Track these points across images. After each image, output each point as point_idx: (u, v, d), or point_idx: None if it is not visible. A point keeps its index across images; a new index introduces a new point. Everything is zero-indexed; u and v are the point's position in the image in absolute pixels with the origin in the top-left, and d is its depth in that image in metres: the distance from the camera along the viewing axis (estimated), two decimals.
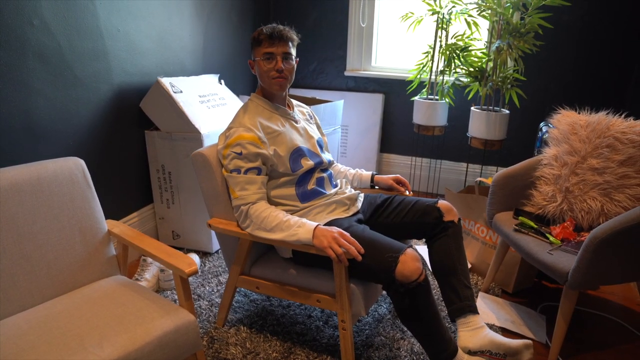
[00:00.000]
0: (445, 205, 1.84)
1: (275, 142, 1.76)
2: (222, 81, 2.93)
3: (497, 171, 3.42)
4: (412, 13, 3.10)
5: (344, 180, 2.05)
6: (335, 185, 1.96)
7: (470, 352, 1.65)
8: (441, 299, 2.25)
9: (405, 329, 2.03)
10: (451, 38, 3.06)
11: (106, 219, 1.75)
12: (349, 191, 1.95)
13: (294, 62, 1.79)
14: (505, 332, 2.04)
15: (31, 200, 1.53)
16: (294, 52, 1.78)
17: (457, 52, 3.01)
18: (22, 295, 1.49)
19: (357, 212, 1.89)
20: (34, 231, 1.53)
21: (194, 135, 2.37)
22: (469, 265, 2.51)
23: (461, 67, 3.04)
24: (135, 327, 1.36)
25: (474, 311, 1.71)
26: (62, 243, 1.59)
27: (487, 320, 2.08)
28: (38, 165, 1.59)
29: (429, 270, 2.41)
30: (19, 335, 1.32)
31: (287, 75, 1.76)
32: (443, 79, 3.15)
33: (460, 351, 1.62)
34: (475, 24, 2.95)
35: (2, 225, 1.46)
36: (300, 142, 1.83)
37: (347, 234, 1.58)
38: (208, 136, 2.40)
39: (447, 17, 3.01)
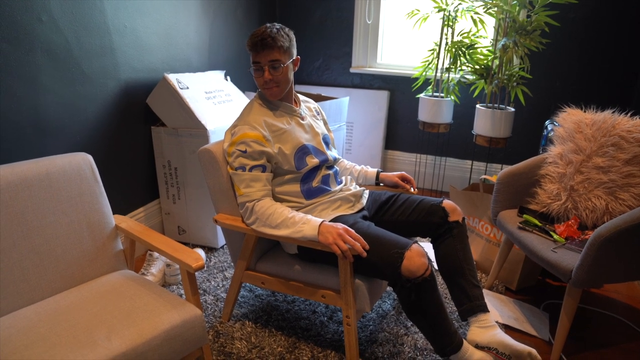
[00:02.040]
0: (450, 205, 1.85)
1: (280, 140, 1.76)
2: (228, 77, 2.95)
3: (501, 169, 3.42)
4: (418, 10, 3.10)
5: (349, 177, 2.05)
6: (340, 182, 1.97)
7: (477, 346, 1.67)
8: (446, 293, 2.26)
9: (409, 324, 2.05)
10: (457, 35, 3.06)
11: (113, 213, 1.77)
12: (354, 188, 1.96)
13: (288, 65, 1.73)
14: (508, 329, 2.05)
15: (40, 195, 1.55)
16: (285, 56, 1.70)
17: (463, 49, 3.01)
18: (32, 288, 1.51)
19: (362, 209, 1.90)
20: (43, 225, 1.55)
21: (200, 132, 2.39)
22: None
23: (467, 64, 3.04)
24: (143, 320, 1.37)
25: (485, 310, 1.72)
26: (71, 237, 1.61)
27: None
28: (47, 160, 1.60)
29: (434, 266, 2.42)
30: (29, 327, 1.35)
31: (275, 85, 1.73)
32: (449, 77, 3.15)
33: (465, 344, 1.64)
34: (482, 21, 2.95)
35: (12, 220, 1.48)
36: (305, 139, 1.83)
37: (352, 230, 1.59)
38: (214, 132, 2.41)
39: (453, 14, 3.01)
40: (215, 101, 2.59)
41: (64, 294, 1.54)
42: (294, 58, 1.78)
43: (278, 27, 1.70)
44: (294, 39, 1.77)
